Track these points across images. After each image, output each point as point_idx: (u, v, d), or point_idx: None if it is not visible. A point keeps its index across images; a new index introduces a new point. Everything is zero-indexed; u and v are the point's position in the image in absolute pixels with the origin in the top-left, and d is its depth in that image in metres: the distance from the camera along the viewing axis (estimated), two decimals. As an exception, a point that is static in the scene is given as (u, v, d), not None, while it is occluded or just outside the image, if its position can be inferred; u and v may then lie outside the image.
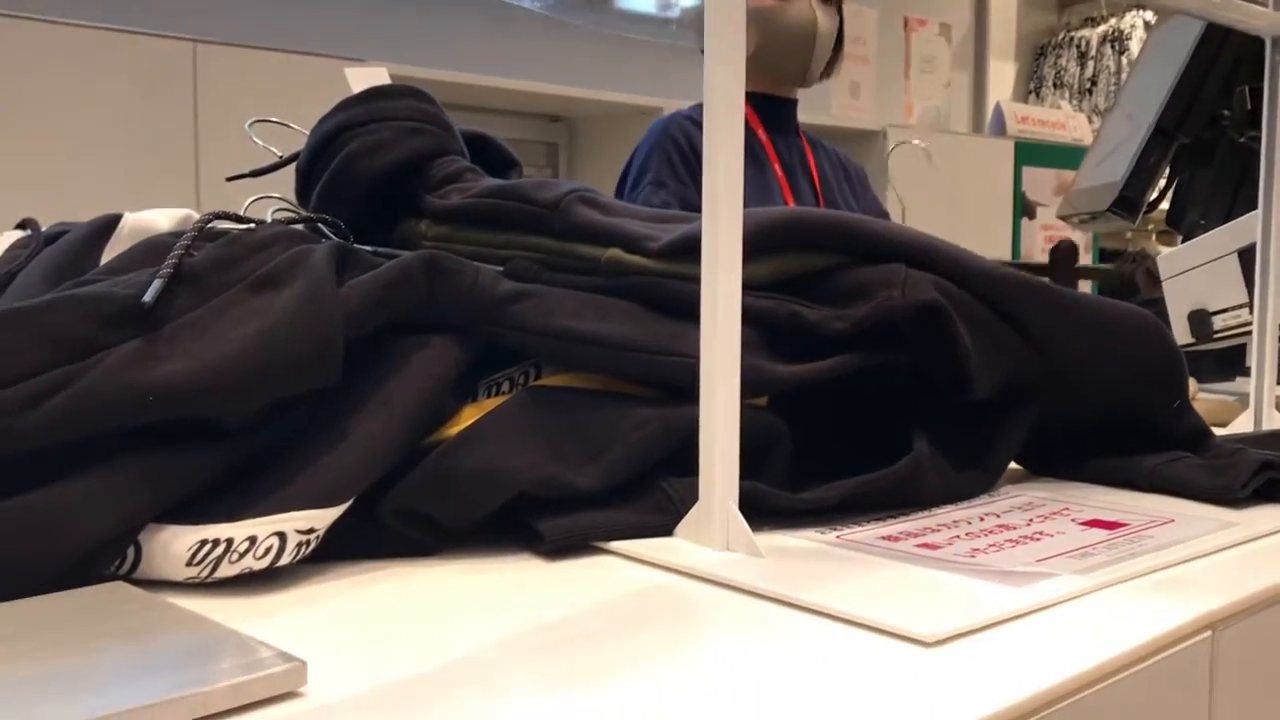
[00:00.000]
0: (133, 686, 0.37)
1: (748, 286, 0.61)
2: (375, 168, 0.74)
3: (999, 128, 4.20)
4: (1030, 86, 5.10)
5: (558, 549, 0.58)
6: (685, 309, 0.63)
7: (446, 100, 0.81)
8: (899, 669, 0.43)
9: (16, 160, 2.13)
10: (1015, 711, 0.40)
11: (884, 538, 0.59)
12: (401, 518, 0.57)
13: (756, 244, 0.64)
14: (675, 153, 1.64)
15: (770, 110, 1.84)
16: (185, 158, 2.29)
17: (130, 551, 0.51)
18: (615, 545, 0.58)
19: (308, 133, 0.79)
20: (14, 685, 0.37)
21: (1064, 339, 0.70)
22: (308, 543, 0.53)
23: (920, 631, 0.44)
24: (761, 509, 0.60)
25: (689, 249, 0.64)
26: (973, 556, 0.55)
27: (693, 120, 1.69)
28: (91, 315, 0.53)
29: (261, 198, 0.76)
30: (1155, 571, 0.54)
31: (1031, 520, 0.63)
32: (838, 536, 0.59)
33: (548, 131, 3.25)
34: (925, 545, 0.57)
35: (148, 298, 0.54)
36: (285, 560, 0.52)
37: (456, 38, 3.15)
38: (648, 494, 0.61)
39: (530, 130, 3.18)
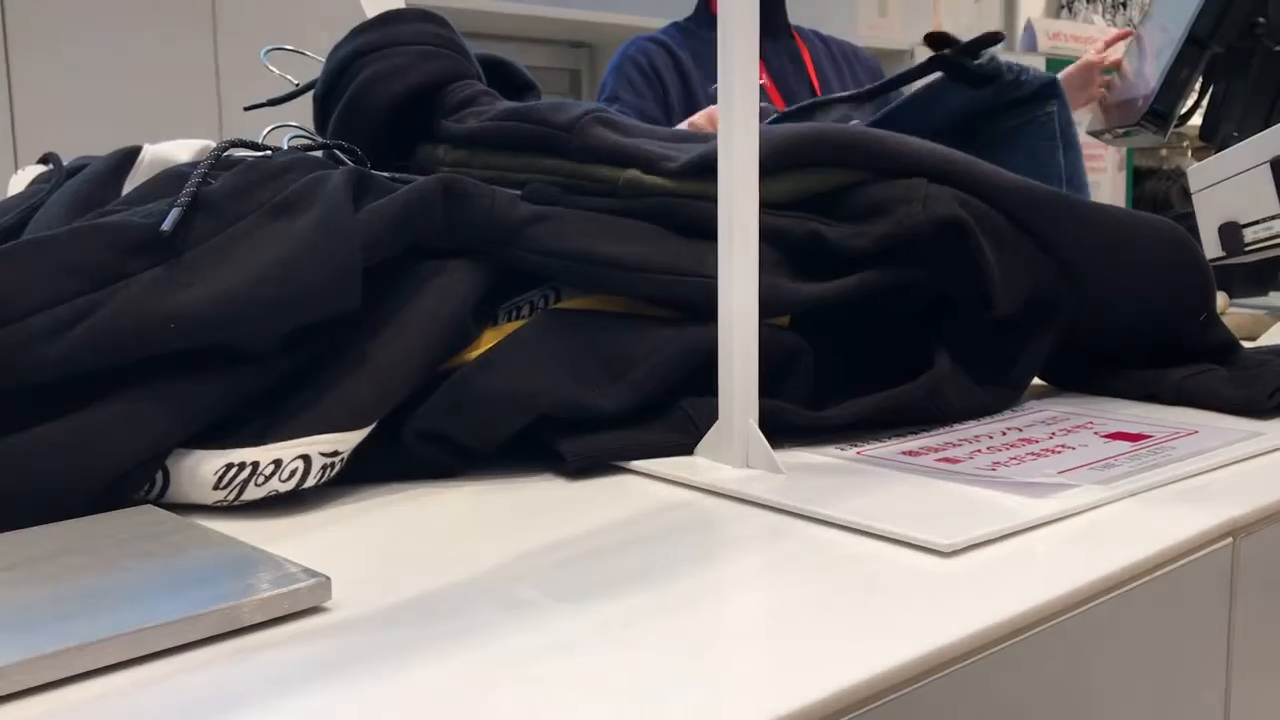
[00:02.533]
0: (163, 602, 0.38)
1: (766, 205, 0.61)
2: (391, 93, 0.73)
3: (1030, 45, 4.11)
4: (1062, 1, 4.98)
5: (579, 469, 0.59)
6: (704, 229, 0.63)
7: (467, 28, 0.80)
8: (917, 578, 0.43)
9: (39, 94, 2.14)
10: (1033, 616, 0.40)
11: (904, 453, 0.59)
12: (424, 440, 0.58)
13: (775, 162, 0.64)
14: (633, 69, 1.61)
15: None
16: (207, 87, 2.28)
17: (159, 476, 0.52)
18: (636, 465, 0.59)
19: (322, 61, 0.78)
20: (49, 603, 0.39)
21: (1088, 252, 0.69)
22: (332, 465, 0.54)
23: (938, 541, 0.44)
24: (782, 427, 0.60)
25: (707, 168, 0.64)
26: (993, 470, 0.55)
27: (654, 41, 1.65)
28: (111, 244, 0.53)
29: (279, 126, 0.76)
30: (1178, 481, 0.54)
31: (1054, 434, 0.63)
32: (858, 453, 0.59)
33: (570, 58, 3.21)
34: (945, 459, 0.57)
35: (166, 226, 0.54)
36: (310, 483, 0.53)
37: (476, -36, 3.10)
38: (668, 414, 0.61)
39: (552, 57, 3.15)
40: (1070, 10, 4.93)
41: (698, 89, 1.56)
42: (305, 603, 0.40)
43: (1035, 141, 0.87)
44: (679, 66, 1.58)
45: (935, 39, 0.87)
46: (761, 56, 1.67)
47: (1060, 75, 1.63)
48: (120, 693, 0.34)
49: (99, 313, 0.51)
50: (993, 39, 0.83)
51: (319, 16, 2.26)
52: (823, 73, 1.65)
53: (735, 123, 0.56)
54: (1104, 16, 4.80)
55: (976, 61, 0.82)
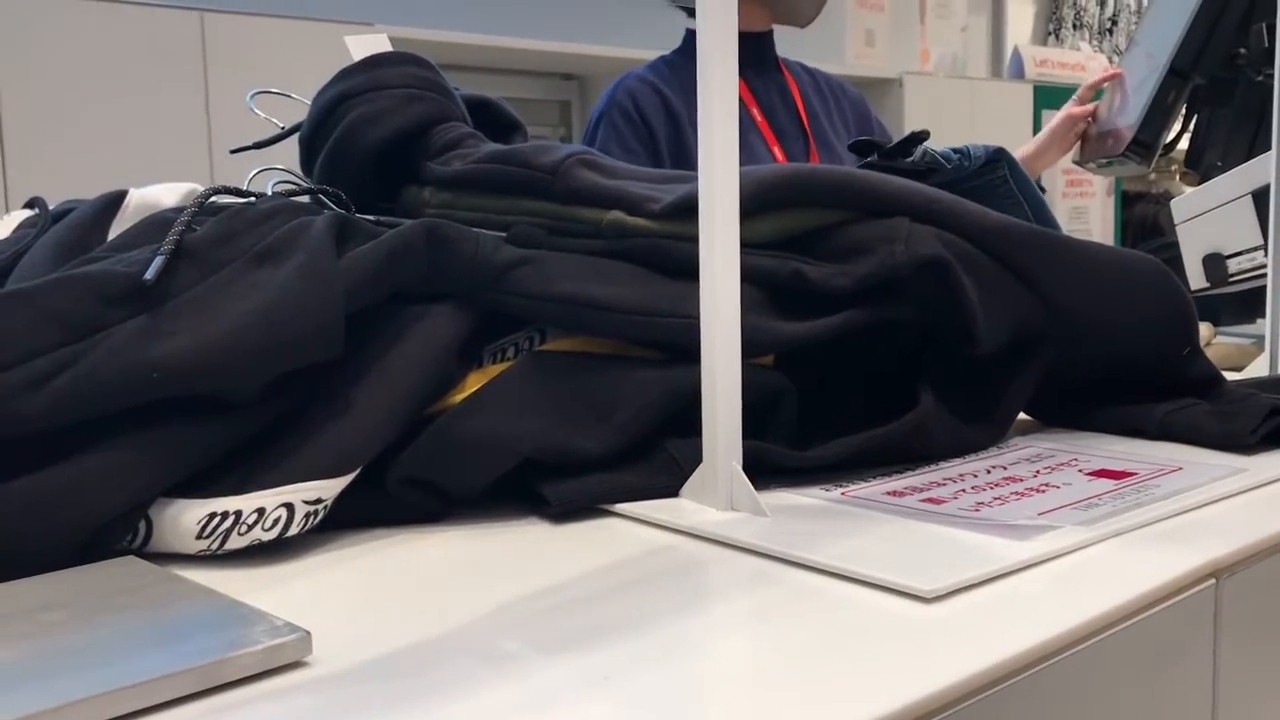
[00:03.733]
0: (142, 659, 0.38)
1: (749, 245, 0.61)
2: (376, 137, 0.74)
3: (1018, 71, 4.14)
4: (1049, 28, 5.02)
5: (564, 513, 0.59)
6: (687, 270, 0.63)
7: (457, 61, 0.81)
8: (899, 624, 0.43)
9: (28, 136, 2.14)
10: (1016, 664, 0.40)
11: (889, 493, 0.59)
12: (407, 486, 0.58)
13: (756, 202, 0.64)
14: (621, 119, 1.58)
15: (744, 49, 1.72)
16: (197, 129, 2.29)
17: (141, 526, 0.52)
18: (621, 507, 0.59)
19: (308, 103, 0.79)
20: (28, 660, 0.38)
21: (1070, 289, 0.70)
22: (315, 513, 0.54)
23: (920, 586, 0.44)
24: (767, 467, 0.60)
25: (690, 209, 0.64)
26: (977, 510, 0.55)
27: (643, 80, 1.62)
28: (93, 294, 0.53)
29: (265, 169, 0.76)
30: (1160, 521, 0.54)
31: (1039, 472, 0.63)
32: (843, 493, 0.59)
33: (560, 90, 3.23)
34: (929, 500, 0.57)
35: (149, 275, 0.54)
36: (294, 530, 0.53)
37: (466, -2, 3.12)
38: (653, 456, 0.61)
39: (542, 89, 3.16)
40: (1058, 37, 4.97)
41: (686, 127, 1.55)
42: (286, 658, 0.40)
43: (995, 201, 0.88)
44: (667, 107, 1.56)
45: (861, 146, 0.89)
46: (751, 91, 1.67)
47: (1045, 130, 1.65)
48: (96, 754, 0.34)
49: (81, 363, 0.51)
50: (917, 138, 0.85)
51: (308, 61, 2.28)
52: (810, 106, 1.65)
53: (716, 163, 0.56)
54: (1091, 43, 4.84)
55: (909, 160, 0.83)
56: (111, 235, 0.71)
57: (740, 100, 1.74)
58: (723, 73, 0.56)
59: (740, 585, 0.49)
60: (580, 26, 3.11)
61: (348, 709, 0.37)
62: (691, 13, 1.69)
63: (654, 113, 1.55)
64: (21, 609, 0.43)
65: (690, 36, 1.72)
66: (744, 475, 0.57)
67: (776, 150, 1.57)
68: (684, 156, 1.53)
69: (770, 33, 1.70)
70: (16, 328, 0.51)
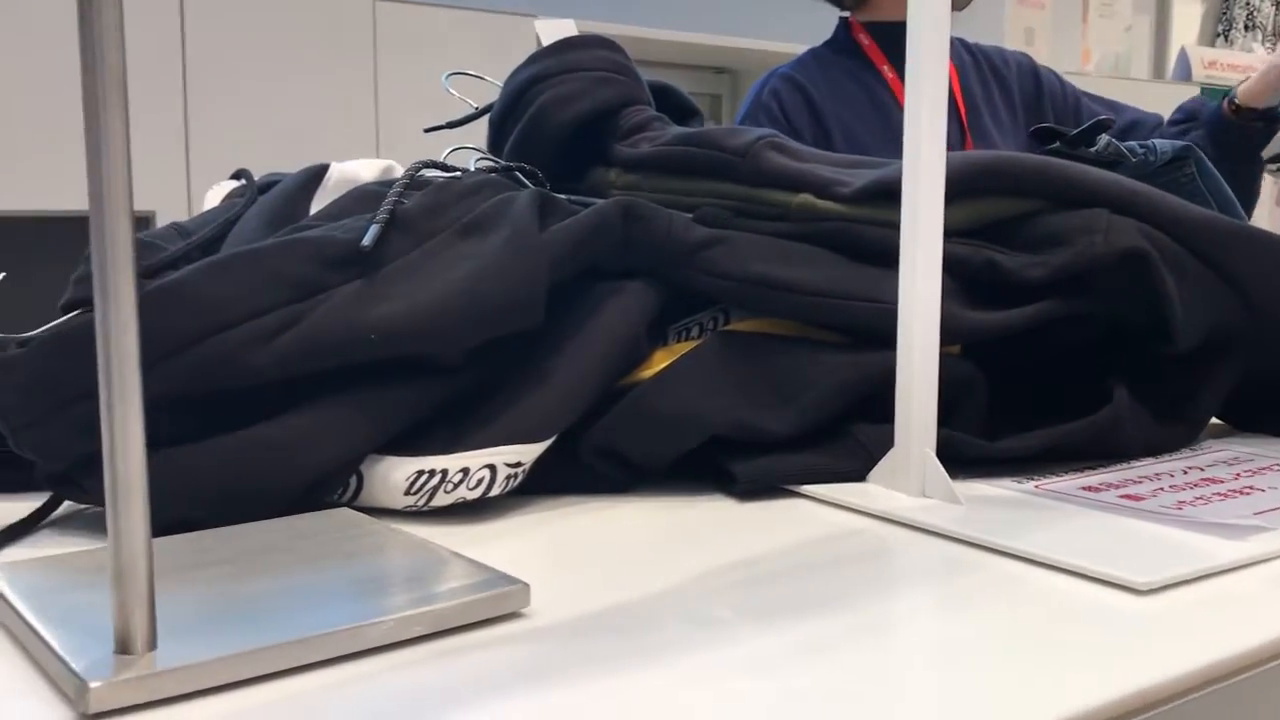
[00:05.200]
0: (369, 603, 0.40)
1: (944, 232, 0.60)
2: (566, 118, 0.75)
3: (1184, 73, 3.98)
4: (1219, 29, 4.81)
5: (750, 491, 0.59)
6: (877, 254, 0.63)
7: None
8: (1110, 616, 0.42)
9: (210, 113, 2.25)
10: (1237, 664, 0.39)
11: (1084, 488, 0.58)
12: (599, 456, 0.59)
13: (953, 189, 0.63)
14: (764, 118, 1.57)
15: (897, 39, 1.70)
16: (365, 108, 2.37)
17: (353, 480, 0.54)
18: (806, 489, 0.59)
19: (500, 85, 0.81)
20: (267, 597, 0.41)
21: (1275, 287, 0.67)
22: (515, 475, 0.55)
23: (1134, 579, 0.44)
24: (956, 457, 0.59)
25: (881, 194, 0.64)
26: (1179, 509, 0.54)
27: (787, 79, 1.60)
28: (315, 257, 0.56)
29: (458, 148, 0.78)
30: (1381, 530, 0.52)
31: (1239, 475, 0.61)
32: (1036, 486, 0.58)
33: (711, 83, 3.23)
34: (1128, 496, 0.56)
35: (366, 241, 0.57)
36: (495, 491, 0.54)
37: (620, -9, 3.15)
38: (839, 439, 0.61)
39: (693, 82, 3.18)
40: (1227, 39, 4.76)
41: (830, 123, 1.54)
42: (506, 608, 0.41)
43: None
44: (811, 107, 1.55)
45: (1043, 134, 0.86)
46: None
47: (1242, 85, 1.53)
48: (335, 686, 0.36)
49: (303, 322, 0.54)
50: (1101, 126, 0.82)
51: (471, 48, 2.33)
52: (971, 99, 1.60)
53: (922, 149, 0.56)
54: (1264, 44, 4.62)
55: (1094, 149, 0.81)
56: (314, 207, 0.75)
57: (890, 94, 1.71)
58: (931, 58, 0.56)
59: (937, 570, 0.49)
60: (733, 19, 3.11)
61: (570, 660, 0.38)
62: (838, 3, 1.66)
63: (797, 112, 1.54)
64: (255, 549, 0.46)
65: (841, 28, 1.70)
66: (937, 462, 0.56)
67: None
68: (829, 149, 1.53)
69: None
70: (248, 285, 0.54)
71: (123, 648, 0.35)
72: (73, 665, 0.34)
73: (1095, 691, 0.36)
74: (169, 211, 2.08)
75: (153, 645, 0.35)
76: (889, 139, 1.56)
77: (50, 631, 0.36)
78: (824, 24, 1.68)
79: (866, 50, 1.61)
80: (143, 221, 2.32)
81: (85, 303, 0.60)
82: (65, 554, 0.46)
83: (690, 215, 0.68)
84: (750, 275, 0.63)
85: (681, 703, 0.35)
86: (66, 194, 2.13)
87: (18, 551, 0.50)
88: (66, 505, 0.56)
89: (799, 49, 1.72)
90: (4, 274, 0.64)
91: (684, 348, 0.64)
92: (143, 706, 0.34)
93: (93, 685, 0.33)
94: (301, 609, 0.39)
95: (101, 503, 0.54)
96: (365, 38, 2.37)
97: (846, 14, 1.65)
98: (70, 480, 0.52)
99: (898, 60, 1.59)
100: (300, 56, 2.32)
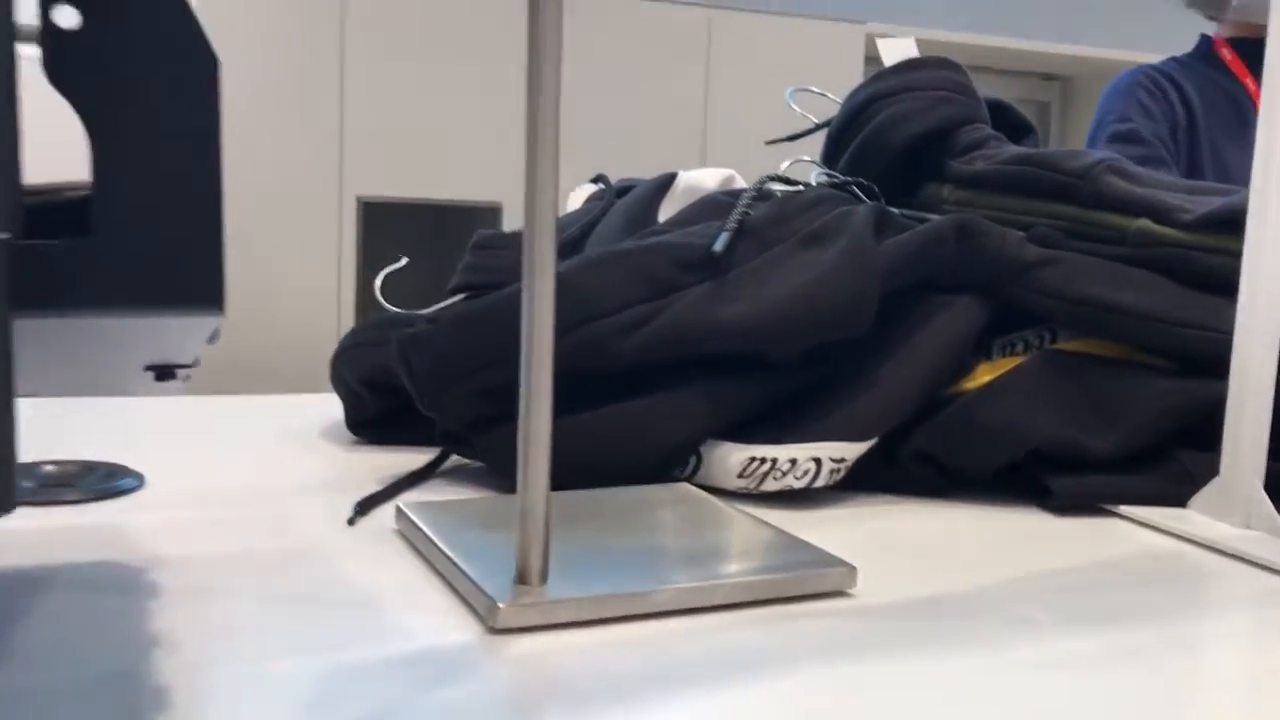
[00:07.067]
0: (713, 566, 0.46)
1: None
2: (905, 135, 0.79)
3: None
4: None
5: (1066, 507, 0.61)
6: (1215, 283, 0.63)
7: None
8: None
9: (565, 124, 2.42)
10: None
11: None
12: (918, 460, 0.63)
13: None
14: (1144, 93, 1.56)
15: (1261, 57, 1.62)
16: (694, 118, 2.48)
17: (693, 460, 0.61)
18: (1124, 510, 0.60)
19: (839, 101, 0.85)
20: (620, 553, 0.47)
21: None
22: (838, 470, 0.60)
23: None
24: (1284, 491, 0.59)
25: (1225, 222, 0.64)
26: None
27: (1159, 71, 1.59)
28: (672, 259, 0.63)
29: (796, 161, 0.83)
30: None
31: None
32: (1374, 529, 0.57)
33: (1040, 90, 3.14)
34: None
35: (717, 247, 0.63)
36: (819, 483, 0.59)
37: (951, -5, 3.11)
38: (1162, 464, 0.62)
39: (1022, 89, 3.09)
40: None
41: (1199, 122, 1.52)
42: (834, 585, 0.46)
43: None
44: (1184, 98, 1.55)
45: None
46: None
47: None
48: (684, 634, 0.42)
49: (660, 317, 0.61)
50: None
51: (799, 58, 2.39)
52: None
53: (1272, 180, 0.56)
54: None
55: None
56: (661, 212, 0.82)
57: (1255, 103, 1.65)
58: (1289, 88, 0.56)
59: (1259, 600, 0.49)
60: (1065, 26, 3.00)
61: (890, 638, 0.42)
62: (1210, 16, 1.62)
63: (1173, 94, 1.55)
64: (612, 510, 0.53)
65: (1204, 43, 1.66)
66: (1264, 494, 0.56)
67: None
68: (1192, 148, 1.50)
69: None
70: (617, 281, 0.61)
71: (522, 578, 0.42)
72: (485, 589, 0.41)
73: None
74: (517, 201, 2.27)
75: (544, 579, 0.42)
76: (1246, 148, 1.54)
77: (464, 560, 0.44)
78: (1161, 33, 1.65)
79: (1229, 64, 1.61)
80: (492, 211, 2.53)
81: (471, 287, 0.70)
82: (456, 500, 0.55)
83: (1023, 234, 0.70)
84: (1081, 296, 0.64)
85: (999, 685, 0.38)
86: (431, 184, 2.35)
87: (415, 494, 0.60)
88: (451, 460, 0.65)
89: (1135, 57, 1.69)
90: (406, 260, 0.75)
91: (1008, 363, 0.66)
92: (536, 629, 0.41)
93: (501, 606, 0.40)
94: (657, 565, 0.46)
95: (486, 459, 0.63)
96: (700, 47, 2.48)
97: (1210, 32, 1.66)
98: (462, 439, 0.61)
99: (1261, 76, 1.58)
100: (638, 69, 2.45)
